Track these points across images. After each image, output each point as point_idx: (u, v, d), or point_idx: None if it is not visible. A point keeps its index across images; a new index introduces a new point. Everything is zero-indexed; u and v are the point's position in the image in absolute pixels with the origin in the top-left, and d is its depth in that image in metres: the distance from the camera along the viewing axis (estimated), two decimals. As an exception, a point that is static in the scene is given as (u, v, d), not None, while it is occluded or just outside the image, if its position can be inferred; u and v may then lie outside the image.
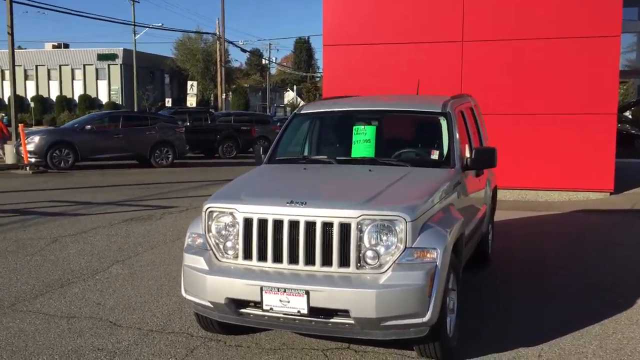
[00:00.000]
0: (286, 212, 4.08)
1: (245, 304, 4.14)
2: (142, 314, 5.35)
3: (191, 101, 35.57)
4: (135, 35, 52.13)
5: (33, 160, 17.61)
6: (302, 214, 4.05)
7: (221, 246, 4.31)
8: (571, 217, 10.37)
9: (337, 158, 5.39)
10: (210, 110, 26.26)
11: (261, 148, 5.78)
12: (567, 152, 11.64)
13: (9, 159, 19.08)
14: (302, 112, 6.06)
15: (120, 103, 64.86)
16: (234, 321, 4.30)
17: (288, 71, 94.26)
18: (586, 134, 11.54)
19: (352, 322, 3.91)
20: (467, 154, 5.40)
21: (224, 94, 36.45)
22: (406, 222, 3.93)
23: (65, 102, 65.14)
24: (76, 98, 66.51)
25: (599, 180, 11.62)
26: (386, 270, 3.92)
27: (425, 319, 3.88)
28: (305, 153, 5.91)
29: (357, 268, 3.97)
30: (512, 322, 5.13)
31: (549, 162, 11.72)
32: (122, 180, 15.81)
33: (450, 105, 5.55)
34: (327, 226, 4.00)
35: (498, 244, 7.85)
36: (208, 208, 4.39)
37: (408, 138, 5.84)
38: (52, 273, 6.68)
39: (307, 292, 3.90)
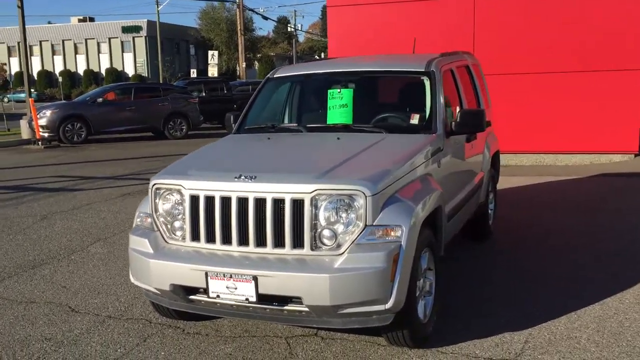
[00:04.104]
0: (234, 188, 3.64)
1: (194, 290, 3.75)
2: (106, 297, 5.01)
3: (212, 71, 35.12)
4: (158, 6, 51.76)
5: (46, 135, 17.43)
6: (251, 189, 3.60)
7: (169, 226, 3.91)
8: (592, 182, 9.69)
9: (308, 126, 4.89)
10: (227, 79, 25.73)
11: (232, 117, 5.32)
12: (588, 112, 10.88)
13: (24, 134, 18.99)
14: (275, 75, 5.50)
15: (147, 75, 64.92)
16: (185, 308, 3.92)
17: (316, 38, 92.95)
18: (608, 92, 10.74)
19: (307, 309, 3.48)
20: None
21: (244, 63, 35.97)
22: (365, 197, 3.45)
23: (92, 76, 65.52)
24: (103, 71, 66.80)
25: (623, 141, 10.85)
26: (343, 252, 3.47)
27: (387, 306, 3.42)
28: (281, 121, 5.42)
29: (313, 249, 3.52)
30: (503, 303, 4.62)
31: (568, 123, 10.97)
32: (133, 153, 15.55)
33: (436, 64, 4.97)
34: (279, 203, 3.55)
35: (505, 214, 7.29)
36: (154, 185, 3.99)
37: (389, 102, 5.29)
38: (29, 253, 6.40)
39: (255, 278, 3.48)
